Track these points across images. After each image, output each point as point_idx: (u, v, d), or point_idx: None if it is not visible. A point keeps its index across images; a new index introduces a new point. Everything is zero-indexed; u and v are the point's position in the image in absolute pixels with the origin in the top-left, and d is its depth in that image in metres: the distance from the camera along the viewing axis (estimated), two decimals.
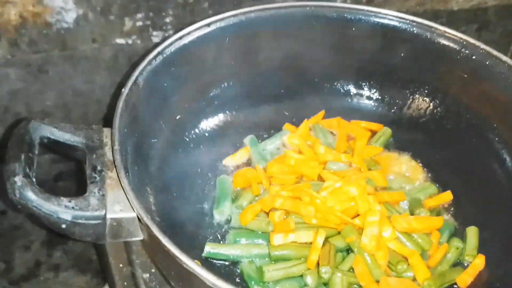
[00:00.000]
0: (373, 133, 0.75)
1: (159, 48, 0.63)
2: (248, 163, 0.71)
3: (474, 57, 0.68)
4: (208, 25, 0.67)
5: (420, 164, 0.71)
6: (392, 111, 0.75)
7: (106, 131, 0.55)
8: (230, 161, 0.71)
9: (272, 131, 0.75)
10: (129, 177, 0.50)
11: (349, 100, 0.77)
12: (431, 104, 0.73)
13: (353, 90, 0.77)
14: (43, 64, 0.75)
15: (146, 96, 0.60)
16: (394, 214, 0.62)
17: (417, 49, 0.71)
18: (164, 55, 0.63)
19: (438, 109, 0.72)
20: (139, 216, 0.48)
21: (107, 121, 0.70)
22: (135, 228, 0.50)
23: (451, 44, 0.69)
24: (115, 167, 0.50)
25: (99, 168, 0.51)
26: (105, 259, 0.63)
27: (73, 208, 0.48)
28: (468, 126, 0.69)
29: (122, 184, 0.49)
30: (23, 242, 0.77)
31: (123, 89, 0.58)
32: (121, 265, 0.62)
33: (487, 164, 0.67)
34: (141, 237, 0.50)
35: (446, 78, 0.71)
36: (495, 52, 0.67)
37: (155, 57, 0.62)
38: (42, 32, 0.72)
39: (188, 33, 0.66)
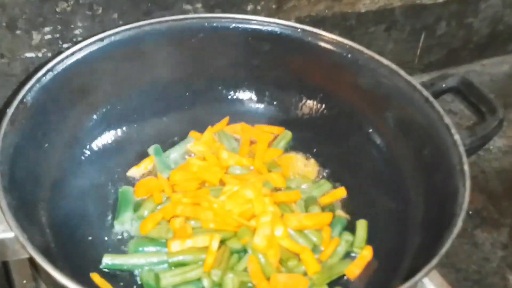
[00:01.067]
0: (276, 136, 0.78)
1: (48, 65, 0.63)
2: (154, 173, 0.73)
3: (359, 62, 0.72)
4: (102, 39, 0.68)
5: (317, 163, 0.75)
6: (291, 114, 0.79)
7: None
8: (134, 172, 0.72)
9: (177, 140, 0.76)
10: (9, 197, 0.51)
11: (252, 106, 0.80)
12: (324, 105, 0.77)
13: (254, 96, 0.80)
14: None
15: (36, 115, 0.60)
16: (287, 213, 0.65)
17: (309, 56, 0.74)
18: (55, 72, 0.64)
19: (331, 110, 0.76)
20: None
21: None
22: (20, 247, 0.51)
23: (338, 50, 0.73)
24: None
25: None
26: (8, 275, 0.64)
27: None
28: (356, 124, 0.73)
29: (0, 205, 0.50)
30: None
31: (8, 109, 0.58)
32: (24, 281, 0.63)
33: (372, 158, 0.71)
34: (27, 256, 0.51)
35: (336, 81, 0.75)
36: (377, 57, 0.71)
37: (44, 75, 0.62)
38: None
39: (80, 49, 0.66)
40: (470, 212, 0.85)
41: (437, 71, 1.06)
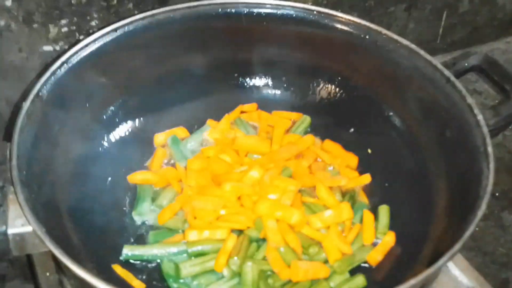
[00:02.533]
0: (294, 122, 0.77)
1: (63, 58, 0.63)
2: (172, 163, 0.73)
3: (377, 43, 0.70)
4: (115, 30, 0.68)
5: None
6: (309, 99, 0.77)
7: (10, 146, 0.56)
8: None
9: (195, 128, 0.76)
10: (26, 191, 0.51)
11: (269, 92, 0.79)
12: (342, 89, 0.76)
13: (270, 82, 0.79)
14: None
15: (52, 108, 0.60)
16: (310, 215, 0.64)
17: (325, 38, 0.73)
18: (70, 65, 0.63)
19: (350, 93, 0.75)
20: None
21: None
22: (39, 240, 0.51)
23: (355, 31, 0.71)
24: (12, 182, 0.51)
25: (1, 184, 0.53)
26: (33, 268, 0.65)
27: None
28: (376, 107, 0.72)
29: (18, 199, 0.50)
30: None
31: (24, 102, 0.59)
32: (48, 274, 0.64)
33: (393, 141, 0.69)
34: (46, 249, 0.51)
35: (354, 64, 0.73)
36: (395, 37, 0.69)
37: (59, 67, 0.62)
38: None
39: (94, 40, 0.66)
40: (497, 194, 0.83)
41: (460, 50, 1.03)
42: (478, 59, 0.67)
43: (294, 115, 0.77)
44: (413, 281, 0.47)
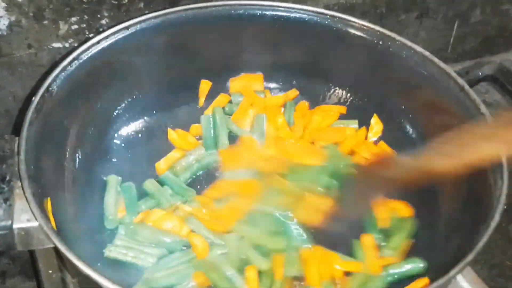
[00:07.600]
0: None
1: (74, 54, 0.63)
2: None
3: (390, 49, 0.69)
4: (127, 28, 0.67)
5: None
6: (319, 103, 0.77)
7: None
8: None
9: None
10: (33, 186, 0.51)
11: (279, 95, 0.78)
12: (354, 94, 0.75)
13: (281, 85, 0.78)
14: None
15: (62, 104, 0.60)
16: None
17: (338, 43, 0.72)
18: (80, 61, 0.63)
19: (361, 99, 0.74)
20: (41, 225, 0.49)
21: None
22: (45, 236, 0.51)
23: (369, 37, 0.70)
24: (20, 177, 0.51)
25: (8, 178, 0.52)
26: (35, 265, 0.64)
27: None
28: (387, 113, 0.71)
29: (25, 194, 0.50)
30: None
31: (33, 98, 0.58)
32: (50, 271, 0.63)
33: (403, 149, 0.69)
34: (52, 245, 0.51)
35: (366, 70, 0.73)
36: (409, 43, 0.69)
37: (70, 63, 0.62)
38: None
39: (106, 37, 0.66)
40: (505, 207, 0.82)
41: (470, 61, 1.02)
42: (492, 69, 0.66)
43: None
44: None
